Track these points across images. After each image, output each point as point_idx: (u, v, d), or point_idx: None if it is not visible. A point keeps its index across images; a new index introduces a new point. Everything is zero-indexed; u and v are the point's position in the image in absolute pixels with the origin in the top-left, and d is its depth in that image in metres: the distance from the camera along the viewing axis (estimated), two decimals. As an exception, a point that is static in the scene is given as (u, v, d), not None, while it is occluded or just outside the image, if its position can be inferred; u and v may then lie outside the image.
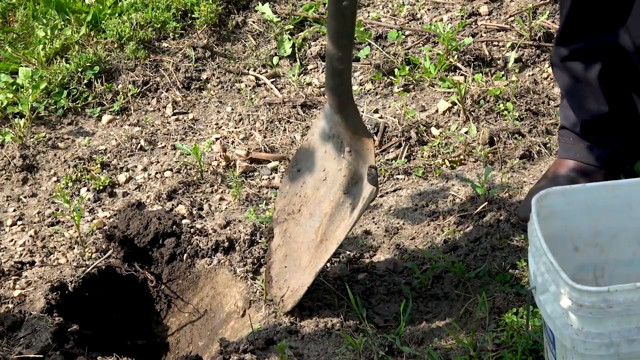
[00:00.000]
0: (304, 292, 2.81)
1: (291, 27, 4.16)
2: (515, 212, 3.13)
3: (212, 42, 4.12)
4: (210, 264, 3.09)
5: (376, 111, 3.74)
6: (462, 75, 3.87)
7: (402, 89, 3.83)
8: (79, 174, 3.53)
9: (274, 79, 3.98)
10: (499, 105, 3.67)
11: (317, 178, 2.97)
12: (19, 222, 3.36)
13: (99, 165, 3.57)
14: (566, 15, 2.94)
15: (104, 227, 3.26)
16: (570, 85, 3.06)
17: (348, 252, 3.12)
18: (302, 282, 2.84)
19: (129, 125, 3.79)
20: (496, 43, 4.03)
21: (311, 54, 4.05)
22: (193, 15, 4.18)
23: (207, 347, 2.93)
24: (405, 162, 3.48)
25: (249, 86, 3.96)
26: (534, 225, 2.19)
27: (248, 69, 4.05)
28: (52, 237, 3.29)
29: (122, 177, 3.53)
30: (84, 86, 3.90)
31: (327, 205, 2.89)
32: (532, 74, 3.88)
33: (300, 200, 2.99)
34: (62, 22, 4.13)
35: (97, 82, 3.90)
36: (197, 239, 3.14)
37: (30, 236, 3.29)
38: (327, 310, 2.87)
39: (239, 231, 3.19)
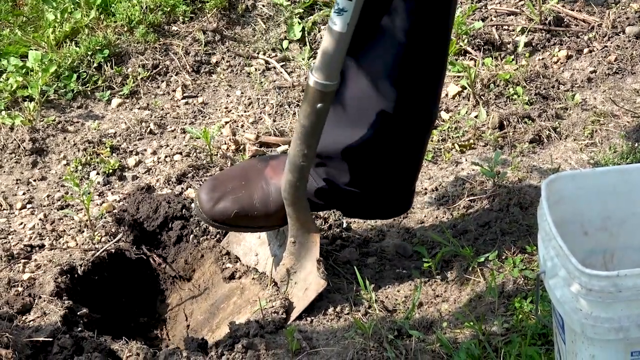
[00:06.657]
0: None
1: (301, 10, 4.14)
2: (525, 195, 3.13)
3: (221, 25, 4.11)
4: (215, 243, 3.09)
5: (386, 95, 3.73)
6: (472, 59, 3.86)
7: (411, 73, 3.82)
8: (89, 158, 3.53)
9: (283, 63, 3.97)
10: (508, 89, 3.66)
11: (248, 262, 2.97)
12: (29, 206, 3.37)
13: (108, 149, 3.57)
14: None
15: (114, 211, 3.26)
16: None
17: (357, 236, 3.12)
18: None
19: (139, 108, 3.79)
20: (506, 27, 4.02)
21: (321, 37, 4.03)
22: (202, -1, 4.18)
23: (207, 322, 2.93)
24: (415, 146, 3.47)
25: (259, 70, 3.95)
26: (544, 209, 2.19)
27: (258, 53, 4.04)
28: (61, 221, 3.29)
29: (131, 161, 3.53)
30: (94, 70, 3.90)
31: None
32: (542, 58, 3.87)
33: None
34: (72, 6, 4.12)
35: (107, 66, 3.90)
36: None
37: (40, 219, 3.29)
38: (336, 294, 2.87)
39: (248, 215, 3.19)
